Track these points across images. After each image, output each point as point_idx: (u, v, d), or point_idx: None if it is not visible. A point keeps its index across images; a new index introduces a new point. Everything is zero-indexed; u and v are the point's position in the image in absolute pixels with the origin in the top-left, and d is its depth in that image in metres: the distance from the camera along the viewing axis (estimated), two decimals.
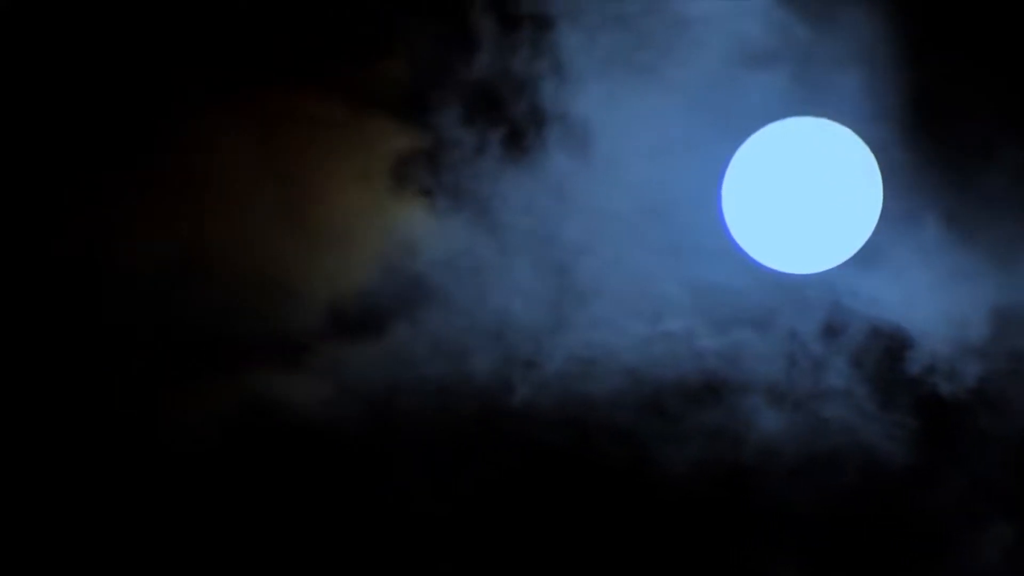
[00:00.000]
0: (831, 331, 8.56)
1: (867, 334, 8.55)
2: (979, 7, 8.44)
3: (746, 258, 8.47)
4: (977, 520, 8.54)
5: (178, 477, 8.49)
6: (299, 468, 8.57)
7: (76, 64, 8.48)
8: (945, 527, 8.56)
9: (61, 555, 8.46)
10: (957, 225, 8.41)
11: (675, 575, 8.66)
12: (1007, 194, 8.45)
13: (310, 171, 8.60)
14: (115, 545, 8.48)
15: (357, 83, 8.56)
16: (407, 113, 8.56)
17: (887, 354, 8.55)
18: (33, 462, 8.45)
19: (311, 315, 8.55)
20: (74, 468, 8.47)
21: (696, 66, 8.40)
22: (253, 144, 8.57)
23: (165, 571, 8.51)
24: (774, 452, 8.55)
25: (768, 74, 8.38)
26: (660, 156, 8.49)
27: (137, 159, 8.53)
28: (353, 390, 8.54)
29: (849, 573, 8.64)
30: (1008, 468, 8.56)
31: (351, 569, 8.62)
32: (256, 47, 8.56)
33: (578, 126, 8.48)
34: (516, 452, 8.58)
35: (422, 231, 8.57)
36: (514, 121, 8.53)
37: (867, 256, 8.47)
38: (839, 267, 8.48)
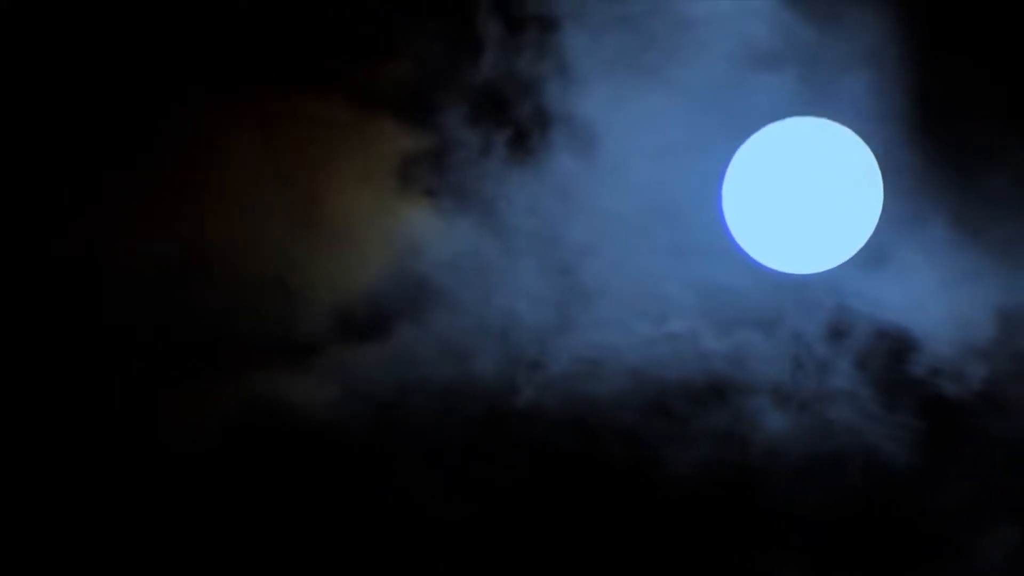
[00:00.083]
0: (836, 333, 8.55)
1: (872, 336, 8.54)
2: (984, 9, 8.43)
3: (751, 259, 8.46)
4: (982, 522, 8.54)
5: (182, 479, 8.49)
6: (304, 470, 8.57)
7: (81, 64, 8.47)
8: (950, 529, 8.55)
9: (63, 556, 8.46)
10: (962, 226, 8.40)
11: None
12: (1013, 195, 8.45)
13: (314, 172, 8.60)
14: (118, 546, 8.48)
15: (361, 84, 8.56)
16: (412, 114, 8.56)
17: (892, 356, 8.54)
18: (35, 463, 8.45)
19: (315, 316, 8.55)
20: (77, 469, 8.47)
21: (701, 67, 8.40)
22: (257, 145, 8.57)
23: (169, 572, 8.50)
24: (779, 453, 8.55)
25: (774, 75, 8.37)
26: (665, 157, 8.49)
27: (140, 159, 8.52)
28: (358, 391, 8.54)
29: (854, 574, 8.63)
30: (1013, 470, 8.56)
31: (357, 570, 8.62)
32: (260, 48, 8.56)
33: (583, 127, 8.48)
34: (521, 453, 8.58)
35: (427, 232, 8.57)
36: (519, 122, 8.53)
37: (872, 257, 8.47)
38: (844, 269, 8.48)
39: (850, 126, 8.36)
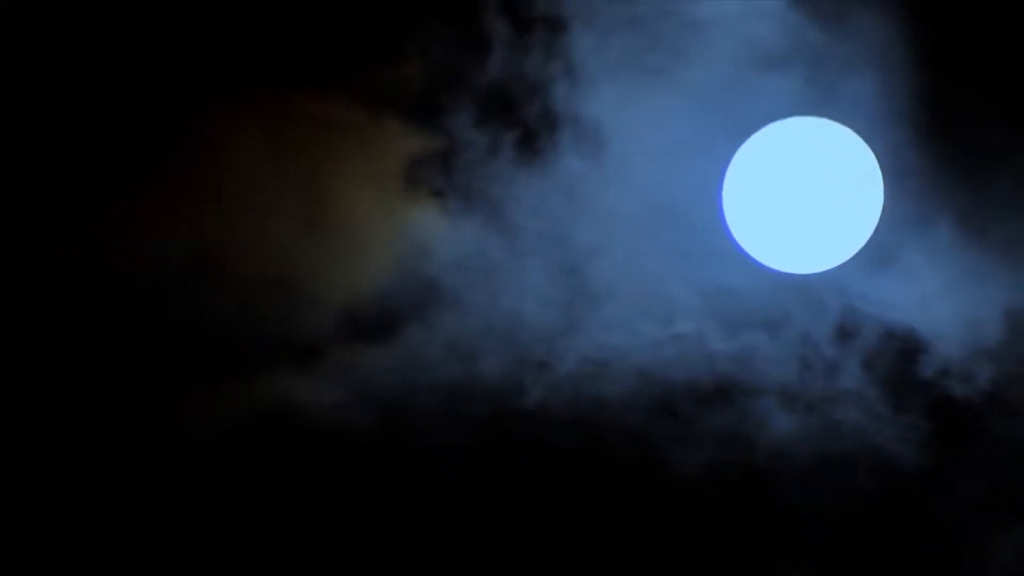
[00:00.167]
0: (844, 334, 8.55)
1: (879, 337, 8.54)
2: (990, 11, 8.44)
3: (752, 260, 8.46)
4: (990, 523, 8.52)
5: (192, 480, 8.49)
6: (311, 470, 8.57)
7: (90, 65, 8.49)
8: (958, 529, 8.54)
9: (70, 556, 8.46)
10: (969, 228, 8.40)
11: None
12: (1018, 196, 8.45)
13: (321, 173, 8.61)
14: (125, 546, 8.47)
15: (369, 85, 8.58)
16: (420, 115, 8.58)
17: (899, 357, 8.53)
18: (40, 464, 8.45)
19: (322, 317, 8.55)
20: (83, 470, 8.46)
21: (708, 69, 8.41)
22: (266, 146, 8.58)
23: (175, 572, 8.50)
24: (786, 454, 8.54)
25: (780, 77, 8.38)
26: (672, 158, 8.49)
27: (149, 161, 8.54)
28: (364, 392, 8.54)
29: (862, 575, 8.61)
30: (1021, 470, 8.54)
31: (363, 570, 8.61)
32: (267, 49, 8.58)
33: (590, 128, 8.49)
34: (528, 453, 8.58)
35: (434, 233, 8.58)
36: (527, 123, 8.55)
37: (879, 259, 8.47)
38: (851, 270, 8.48)
39: (857, 127, 8.36)
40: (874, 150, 8.37)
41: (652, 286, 8.50)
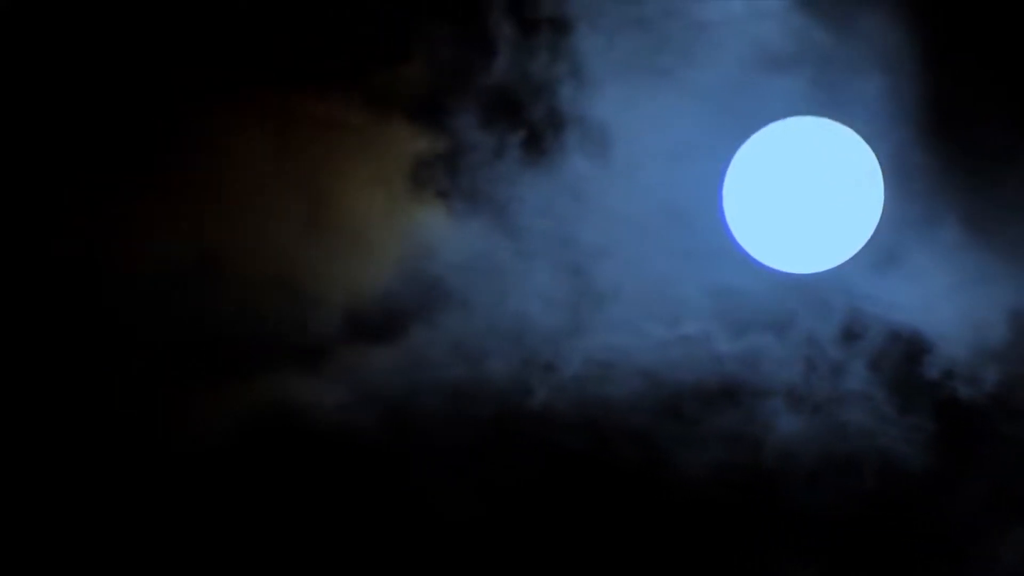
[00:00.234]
0: (849, 335, 8.55)
1: (885, 338, 8.54)
2: (996, 13, 8.45)
3: (754, 260, 8.47)
4: (996, 523, 8.53)
5: (194, 480, 8.48)
6: (315, 470, 8.56)
7: (95, 65, 8.48)
8: (964, 530, 8.54)
9: (77, 557, 8.44)
10: (975, 229, 8.41)
11: None
12: None
13: (327, 174, 8.60)
14: (128, 546, 8.46)
15: (375, 86, 8.57)
16: (425, 116, 8.57)
17: (905, 358, 8.54)
18: (48, 465, 8.44)
19: (327, 318, 8.55)
20: (91, 472, 8.45)
21: (714, 70, 8.41)
22: (271, 147, 8.58)
23: (179, 572, 8.49)
24: (792, 455, 8.54)
25: (787, 78, 8.39)
26: (678, 159, 8.50)
27: (153, 162, 8.53)
28: (369, 393, 8.53)
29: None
30: None
31: (368, 571, 8.60)
32: (273, 50, 8.57)
33: (596, 129, 8.49)
34: (533, 454, 8.57)
35: (439, 234, 8.57)
36: (532, 124, 8.55)
37: (885, 260, 8.48)
38: (857, 271, 8.49)
39: (863, 128, 8.37)
40: (880, 151, 8.38)
41: (658, 287, 8.50)
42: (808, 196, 8.37)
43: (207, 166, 8.56)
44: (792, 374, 8.53)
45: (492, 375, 8.53)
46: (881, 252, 8.48)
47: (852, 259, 8.48)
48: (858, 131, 8.39)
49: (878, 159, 8.39)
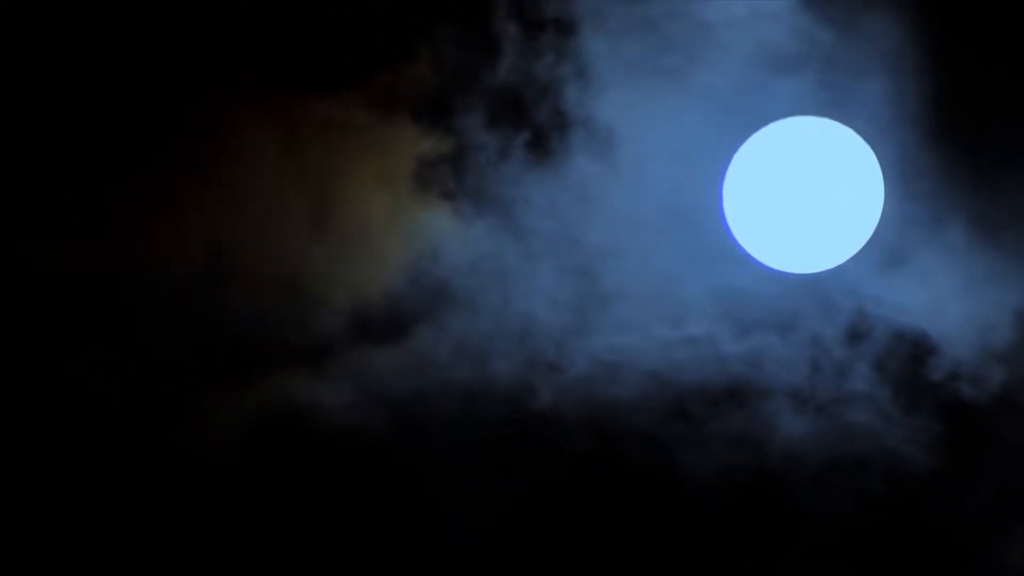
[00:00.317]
0: (855, 336, 8.54)
1: (891, 339, 8.53)
2: (1003, 13, 8.43)
3: (758, 260, 8.47)
4: (1002, 524, 8.52)
5: (201, 482, 8.49)
6: (321, 472, 8.56)
7: (99, 67, 8.49)
8: (969, 532, 8.53)
9: (87, 558, 8.46)
10: (981, 230, 8.40)
11: None
12: None
13: (332, 175, 8.61)
14: (140, 548, 8.48)
15: (380, 87, 8.58)
16: (431, 117, 8.57)
17: (911, 359, 8.53)
18: (58, 467, 8.46)
19: (333, 319, 8.56)
20: (98, 473, 8.47)
21: (719, 71, 8.41)
22: (277, 148, 8.58)
23: (189, 573, 8.50)
24: (797, 456, 8.54)
25: (792, 79, 8.38)
26: (683, 160, 8.49)
27: (161, 164, 8.54)
28: (375, 394, 8.54)
29: None
30: None
31: (374, 572, 8.61)
32: (278, 51, 8.58)
33: (601, 130, 8.48)
34: (539, 455, 8.57)
35: (445, 235, 8.58)
36: (537, 125, 8.54)
37: (890, 261, 8.47)
38: (863, 272, 8.48)
39: (870, 130, 8.36)
40: (887, 151, 8.36)
41: (664, 288, 8.49)
42: (806, 195, 8.36)
43: (212, 167, 8.56)
44: (797, 375, 8.53)
45: (497, 376, 8.54)
46: (886, 253, 8.47)
47: (857, 260, 8.47)
48: (864, 132, 8.38)
49: (884, 159, 8.38)
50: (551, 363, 8.56)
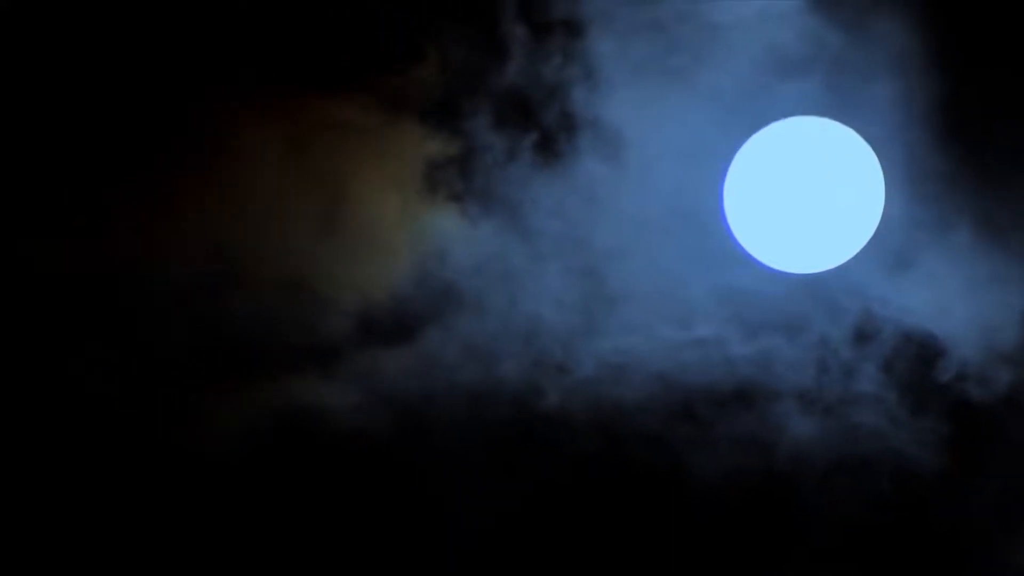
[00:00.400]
0: (862, 337, 8.56)
1: (898, 340, 8.55)
2: (1011, 15, 8.46)
3: (758, 260, 8.49)
4: (1009, 526, 8.54)
5: (207, 484, 8.48)
6: (328, 474, 8.56)
7: (111, 69, 8.48)
8: (977, 533, 8.56)
9: (94, 561, 8.45)
10: (989, 231, 8.42)
11: None
12: None
13: (339, 176, 8.60)
14: (146, 550, 8.47)
15: (387, 88, 8.57)
16: (438, 119, 8.57)
17: (918, 360, 8.55)
18: (64, 470, 8.45)
19: (340, 320, 8.55)
20: (104, 475, 8.46)
21: (728, 72, 8.41)
22: (282, 149, 8.57)
23: (193, 574, 8.51)
24: (805, 458, 8.55)
25: (801, 81, 8.39)
26: (691, 161, 8.50)
27: (167, 165, 8.53)
28: (383, 395, 8.54)
29: None
30: None
31: (381, 574, 8.61)
32: (285, 52, 8.57)
33: (609, 131, 8.49)
34: (546, 457, 8.58)
35: (452, 236, 8.58)
36: (545, 127, 8.54)
37: (898, 263, 8.49)
38: (870, 273, 8.49)
39: (876, 131, 8.37)
40: (895, 153, 8.38)
41: (671, 289, 8.50)
42: (806, 195, 8.38)
43: (218, 168, 8.55)
44: (805, 376, 8.54)
45: (504, 377, 8.54)
46: (894, 255, 8.49)
47: (864, 262, 8.48)
48: (872, 134, 8.40)
49: (892, 162, 8.40)
50: (558, 364, 8.56)
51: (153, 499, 8.50)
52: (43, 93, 8.50)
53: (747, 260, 8.50)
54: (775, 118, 8.42)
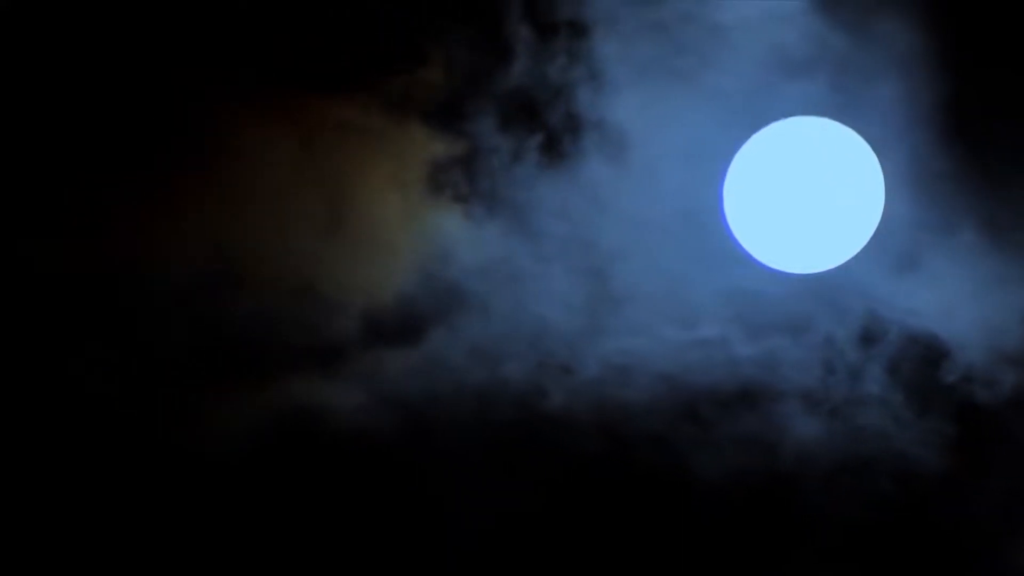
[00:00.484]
0: (867, 338, 8.57)
1: (903, 341, 8.56)
2: (1015, 17, 8.47)
3: (758, 260, 8.50)
4: (1014, 527, 8.55)
5: (212, 484, 8.47)
6: (333, 474, 8.56)
7: (116, 70, 8.46)
8: (981, 535, 8.57)
9: (98, 562, 8.44)
10: (993, 232, 8.43)
11: None
12: None
13: (345, 177, 8.60)
14: (150, 552, 8.46)
15: (392, 90, 8.57)
16: (443, 120, 8.57)
17: (923, 361, 8.56)
18: (68, 471, 8.44)
19: (346, 321, 8.55)
20: (108, 476, 8.45)
21: (732, 73, 8.42)
22: (287, 150, 8.57)
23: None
24: (809, 459, 8.56)
25: (805, 82, 8.40)
26: (695, 162, 8.51)
27: (171, 165, 8.52)
28: (388, 397, 8.54)
29: None
30: None
31: (385, 575, 8.62)
32: (290, 54, 8.56)
33: (614, 132, 8.49)
34: (551, 458, 8.58)
35: (457, 238, 8.58)
36: (550, 128, 8.55)
37: (903, 264, 8.50)
38: (874, 274, 8.50)
39: (880, 132, 8.38)
40: (898, 155, 8.39)
41: (676, 290, 8.51)
42: (806, 195, 8.39)
43: (218, 168, 8.55)
44: (809, 377, 8.55)
45: (509, 378, 8.54)
46: (896, 256, 8.50)
47: (869, 263, 8.49)
48: (875, 134, 8.41)
49: (895, 163, 8.41)
50: (563, 365, 8.56)
51: (155, 499, 8.49)
52: (43, 93, 8.49)
53: (749, 261, 8.50)
54: (779, 119, 8.43)
